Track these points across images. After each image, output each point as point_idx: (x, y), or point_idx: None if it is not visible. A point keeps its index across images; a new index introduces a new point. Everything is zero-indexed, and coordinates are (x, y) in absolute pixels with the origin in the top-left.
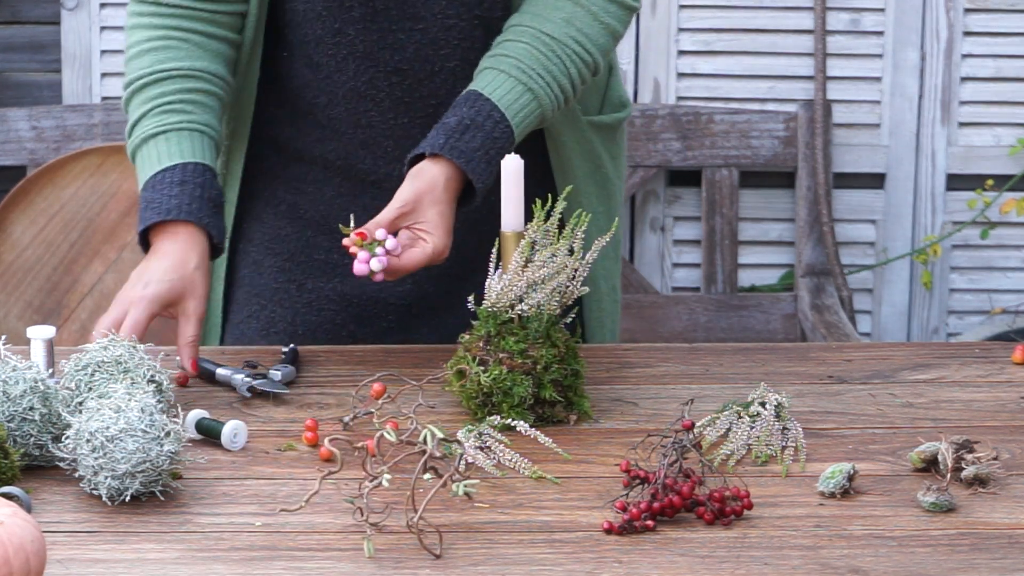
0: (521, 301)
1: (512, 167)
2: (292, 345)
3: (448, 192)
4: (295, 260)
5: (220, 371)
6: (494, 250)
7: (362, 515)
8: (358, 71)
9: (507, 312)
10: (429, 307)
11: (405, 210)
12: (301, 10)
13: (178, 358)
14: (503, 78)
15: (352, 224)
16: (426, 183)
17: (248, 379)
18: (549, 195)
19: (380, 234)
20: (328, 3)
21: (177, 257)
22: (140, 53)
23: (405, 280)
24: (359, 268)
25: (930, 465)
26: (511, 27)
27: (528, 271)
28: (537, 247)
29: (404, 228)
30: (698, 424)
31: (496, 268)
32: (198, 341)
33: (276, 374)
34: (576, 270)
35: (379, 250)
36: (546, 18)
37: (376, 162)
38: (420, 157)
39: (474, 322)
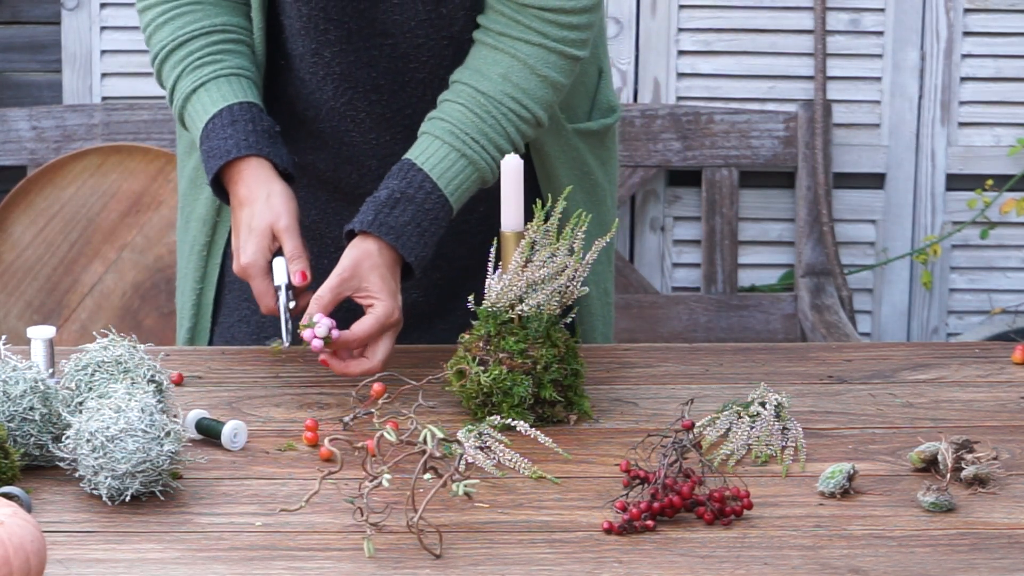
0: (521, 301)
1: (512, 167)
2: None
3: (384, 258)
4: None
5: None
6: (492, 250)
7: (362, 515)
8: (337, 91)
9: (507, 312)
10: (421, 316)
11: (345, 276)
12: (287, 26)
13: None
14: (437, 144)
15: (283, 342)
16: (362, 252)
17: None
18: (538, 201)
19: (317, 318)
20: (305, 24)
21: (246, 192)
22: (159, 26)
23: None
24: (314, 345)
25: (930, 465)
26: (453, 83)
27: (528, 271)
28: (537, 247)
29: (350, 297)
30: (698, 424)
31: (496, 268)
32: (306, 252)
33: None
34: (576, 270)
35: (318, 328)
36: (483, 74)
37: (362, 178)
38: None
39: (473, 322)
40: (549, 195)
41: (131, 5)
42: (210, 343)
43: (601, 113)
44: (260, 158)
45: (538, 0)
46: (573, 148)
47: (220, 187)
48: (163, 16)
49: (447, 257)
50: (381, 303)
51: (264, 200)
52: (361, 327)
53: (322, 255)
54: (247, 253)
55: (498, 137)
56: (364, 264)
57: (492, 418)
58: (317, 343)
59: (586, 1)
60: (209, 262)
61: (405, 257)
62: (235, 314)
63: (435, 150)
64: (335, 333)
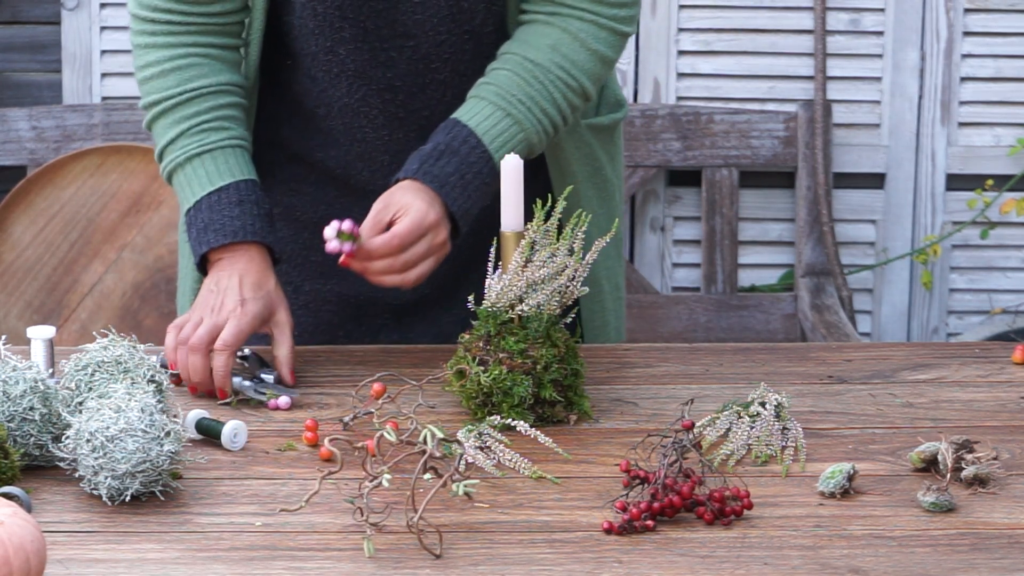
0: (521, 301)
1: (511, 166)
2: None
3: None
4: (292, 262)
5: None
6: (492, 250)
7: (362, 515)
8: (351, 88)
9: (507, 312)
10: (425, 307)
11: (379, 207)
12: (297, 25)
13: (276, 373)
14: (482, 104)
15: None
16: (398, 189)
17: (253, 382)
18: (550, 196)
19: (346, 225)
20: (319, 22)
21: (257, 276)
22: (161, 73)
23: None
24: (345, 250)
25: (930, 465)
26: (500, 54)
27: (528, 271)
28: (537, 247)
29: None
30: (698, 424)
31: (496, 268)
32: (294, 353)
33: (268, 377)
34: (576, 270)
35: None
36: (531, 44)
37: (373, 175)
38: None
39: (474, 322)
40: (561, 190)
41: None
42: None
43: (609, 108)
44: (263, 247)
45: None
46: (586, 144)
47: (203, 255)
48: (168, 63)
49: (455, 246)
50: (414, 207)
51: (274, 288)
52: (397, 227)
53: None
54: (240, 322)
55: (544, 102)
56: (396, 193)
57: (492, 418)
58: (346, 246)
59: None
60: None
61: (449, 205)
62: None
63: (480, 109)
64: (349, 225)
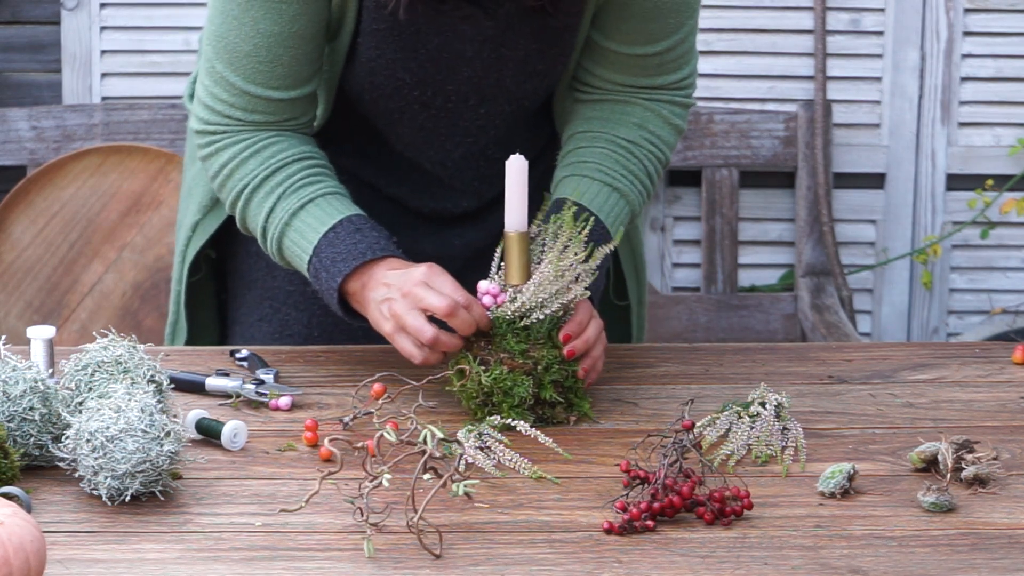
0: (540, 308)
1: (515, 167)
2: (248, 352)
3: None
4: None
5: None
6: (497, 251)
7: (362, 515)
8: (400, 161)
9: (511, 315)
10: None
11: None
12: (359, 108)
13: (276, 371)
14: (587, 182)
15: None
16: None
17: (252, 384)
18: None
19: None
20: (380, 118)
21: (413, 267)
22: (240, 163)
23: None
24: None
25: (930, 465)
26: (578, 134)
27: (540, 275)
28: (545, 248)
29: None
30: (698, 424)
31: (498, 268)
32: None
33: (268, 377)
34: (579, 273)
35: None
36: (619, 123)
37: (423, 201)
38: None
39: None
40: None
41: (131, 5)
42: (231, 342)
43: None
44: (395, 258)
45: (666, 80)
46: None
47: (342, 298)
48: (244, 152)
49: (471, 243)
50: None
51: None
52: (588, 332)
53: None
54: (448, 294)
55: (641, 174)
56: None
57: (492, 418)
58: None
59: (694, 64)
60: (183, 268)
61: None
62: (255, 313)
63: (588, 186)
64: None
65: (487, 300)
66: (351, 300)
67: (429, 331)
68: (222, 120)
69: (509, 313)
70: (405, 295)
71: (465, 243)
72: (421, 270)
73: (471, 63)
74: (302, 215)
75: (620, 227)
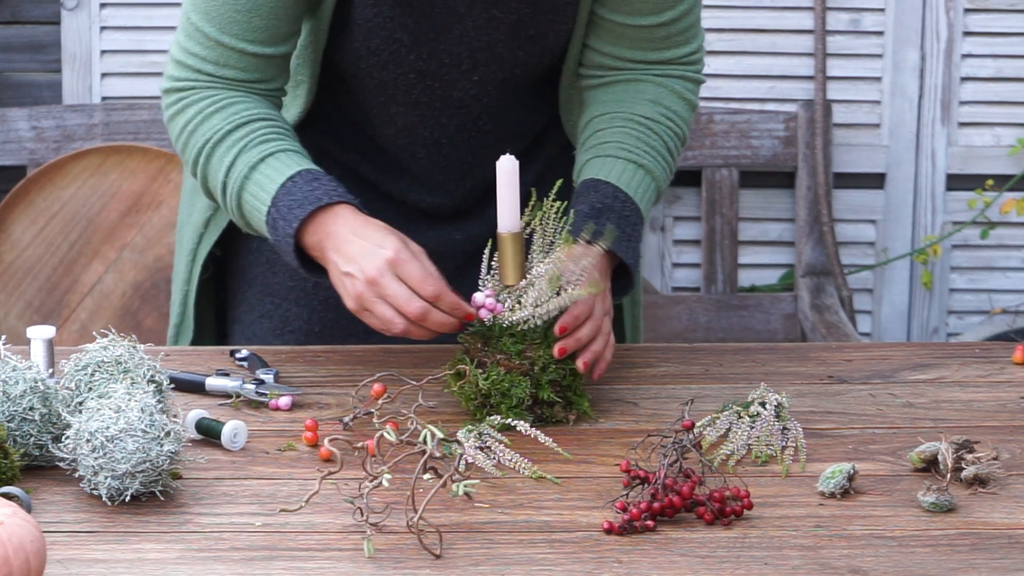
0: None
1: (506, 168)
2: (248, 352)
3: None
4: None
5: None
6: (486, 251)
7: (362, 515)
8: (396, 136)
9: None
10: None
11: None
12: (350, 83)
13: (276, 371)
14: (612, 161)
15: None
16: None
17: (252, 384)
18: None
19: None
20: (375, 91)
21: (381, 229)
22: (205, 118)
23: None
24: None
25: (930, 465)
26: (595, 118)
27: (535, 275)
28: (537, 249)
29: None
30: (698, 424)
31: (489, 269)
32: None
33: (268, 377)
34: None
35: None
36: (634, 101)
37: (420, 195)
38: None
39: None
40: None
41: (131, 5)
42: (231, 340)
43: None
44: (352, 206)
45: (675, 54)
46: None
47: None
48: (209, 108)
49: (471, 239)
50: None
51: (387, 230)
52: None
53: None
54: (416, 284)
55: (663, 150)
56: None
57: (492, 418)
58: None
59: (701, 39)
60: (193, 267)
61: (624, 258)
62: (256, 310)
63: (612, 166)
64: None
65: (484, 314)
66: (311, 252)
67: (399, 324)
68: (191, 76)
69: (507, 323)
70: (370, 282)
71: (466, 237)
72: (387, 254)
73: (463, 20)
74: (261, 167)
75: (649, 204)
